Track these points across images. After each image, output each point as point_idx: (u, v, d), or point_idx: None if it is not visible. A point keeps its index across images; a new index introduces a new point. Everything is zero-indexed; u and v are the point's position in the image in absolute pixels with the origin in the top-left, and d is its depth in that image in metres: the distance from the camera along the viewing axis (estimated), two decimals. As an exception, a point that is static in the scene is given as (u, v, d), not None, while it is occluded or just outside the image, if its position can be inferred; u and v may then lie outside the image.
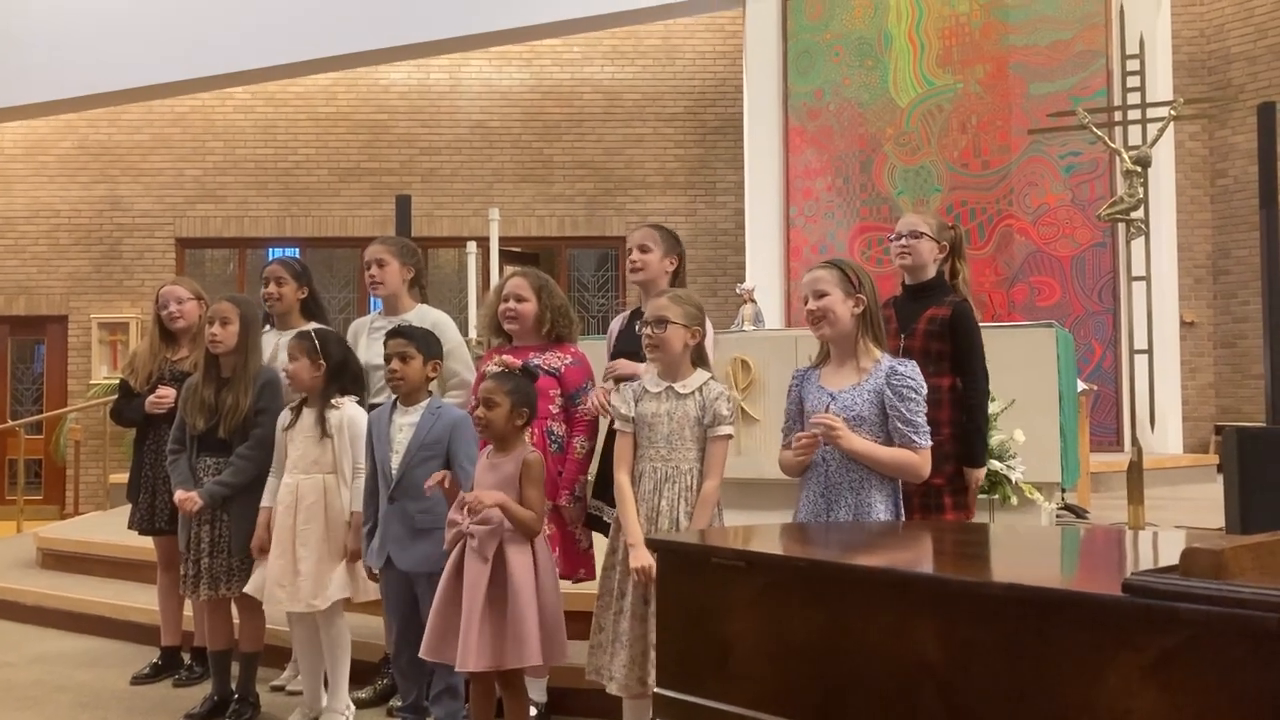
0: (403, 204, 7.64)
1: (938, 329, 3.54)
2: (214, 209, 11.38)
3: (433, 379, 3.66)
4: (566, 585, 3.66)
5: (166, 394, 4.34)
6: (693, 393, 3.22)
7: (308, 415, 3.82)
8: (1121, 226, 6.87)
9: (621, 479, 3.24)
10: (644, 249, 3.77)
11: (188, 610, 4.55)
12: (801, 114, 10.29)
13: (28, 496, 10.01)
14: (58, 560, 6.40)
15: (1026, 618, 1.63)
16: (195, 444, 3.98)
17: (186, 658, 4.62)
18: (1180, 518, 6.29)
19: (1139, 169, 6.16)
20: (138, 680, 4.53)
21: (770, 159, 10.36)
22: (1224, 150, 10.30)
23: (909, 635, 1.76)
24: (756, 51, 10.48)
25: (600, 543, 3.59)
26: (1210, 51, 10.46)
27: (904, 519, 3.05)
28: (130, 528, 4.58)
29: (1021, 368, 4.88)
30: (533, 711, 3.62)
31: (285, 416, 3.90)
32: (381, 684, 4.16)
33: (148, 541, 4.70)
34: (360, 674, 4.03)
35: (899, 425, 2.90)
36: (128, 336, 11.08)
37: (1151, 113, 6.61)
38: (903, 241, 3.69)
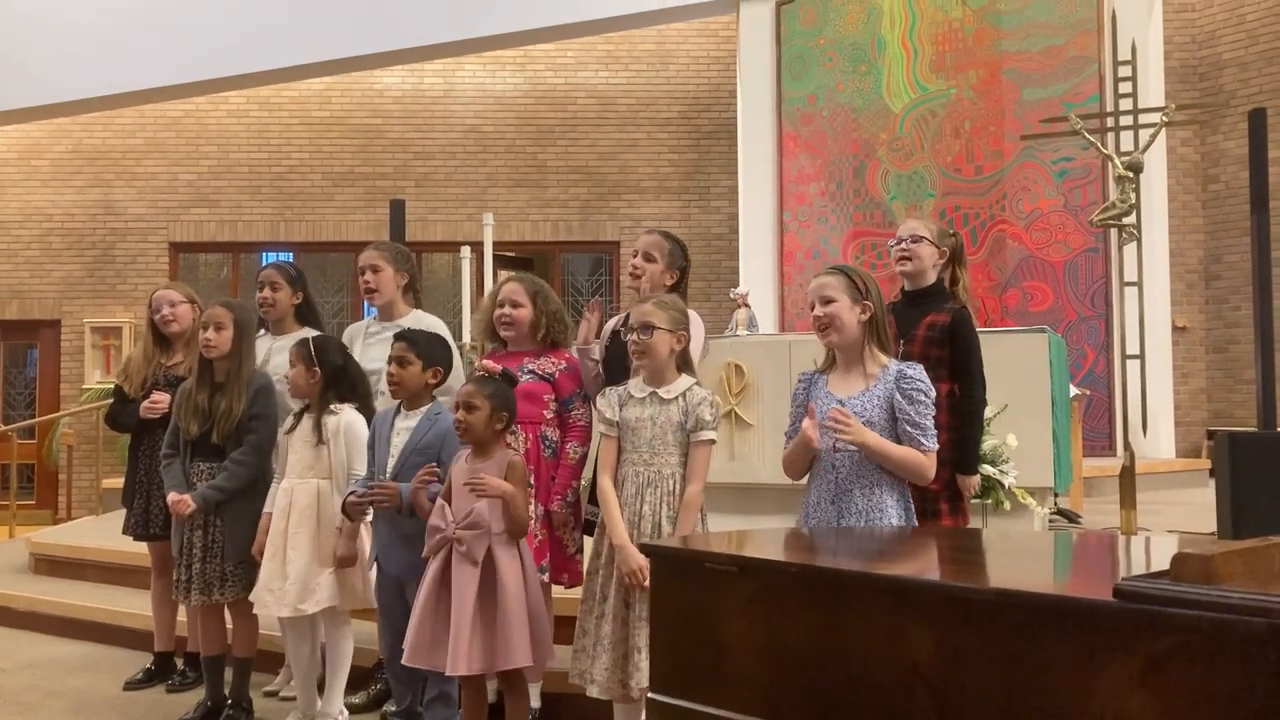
0: (396, 209, 7.64)
1: (937, 335, 3.55)
2: (208, 213, 11.37)
3: (433, 385, 3.65)
4: (555, 590, 3.67)
5: (161, 399, 4.34)
6: (676, 398, 3.22)
7: (307, 421, 3.82)
8: (1114, 232, 6.89)
9: (604, 483, 3.25)
10: (649, 257, 3.75)
11: (181, 615, 4.55)
12: (795, 119, 10.31)
13: (20, 501, 9.98)
14: (50, 565, 6.38)
15: (1019, 623, 1.64)
16: (189, 449, 3.98)
17: (180, 663, 4.61)
18: (1172, 522, 6.30)
19: (1131, 174, 6.18)
20: (131, 686, 4.52)
21: (764, 164, 10.38)
22: (1215, 156, 10.34)
23: (902, 640, 1.77)
24: (750, 57, 10.50)
25: (588, 547, 3.59)
26: (1202, 57, 10.50)
27: (914, 522, 3.03)
28: (125, 533, 4.58)
29: (1014, 373, 4.89)
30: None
31: (288, 421, 3.90)
32: (375, 689, 4.16)
33: (140, 547, 4.69)
34: (354, 679, 4.03)
35: (908, 428, 2.90)
36: (121, 341, 11.06)
37: (1144, 118, 6.63)
38: (903, 246, 3.70)
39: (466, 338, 7.84)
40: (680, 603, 2.14)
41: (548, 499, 3.64)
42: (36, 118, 11.01)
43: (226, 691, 4.02)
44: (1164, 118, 6.46)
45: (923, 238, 3.66)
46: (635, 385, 3.30)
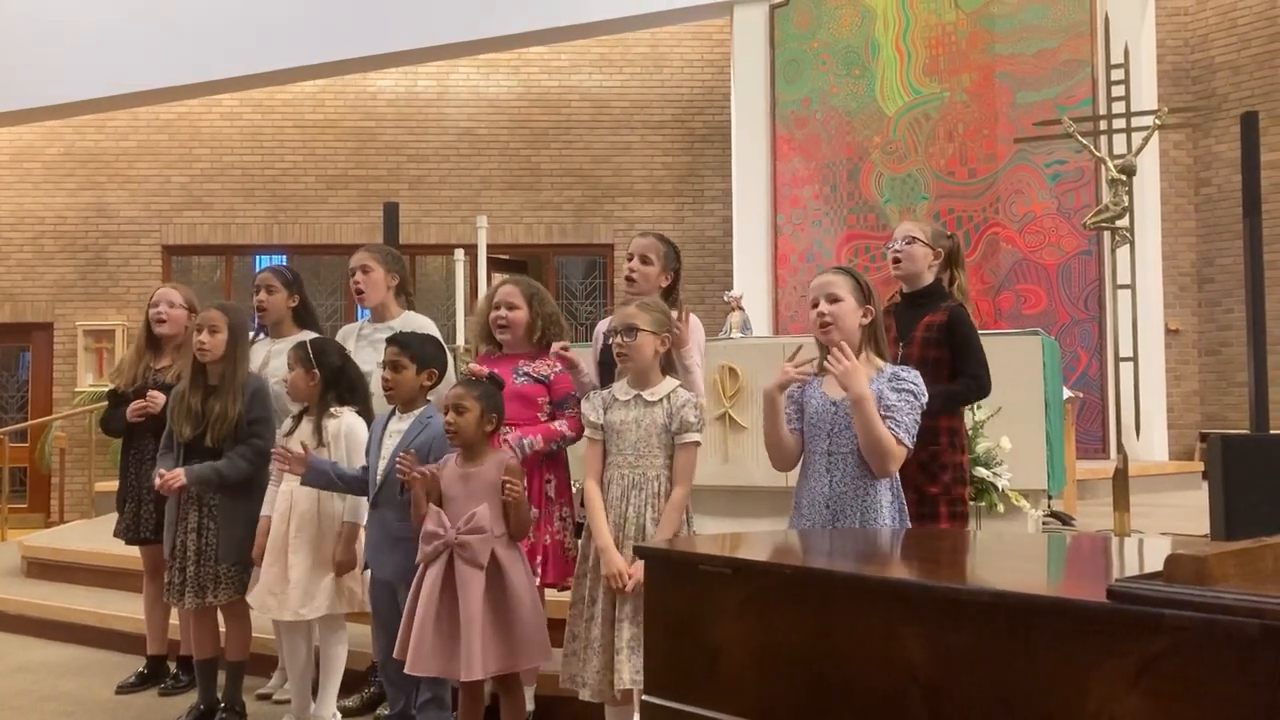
0: (390, 211, 7.63)
1: (935, 335, 3.54)
2: (201, 216, 11.35)
3: (429, 387, 3.64)
4: (552, 593, 3.66)
5: (147, 403, 4.31)
6: (660, 400, 3.22)
7: (307, 424, 3.81)
8: (1106, 235, 6.90)
9: (590, 486, 3.25)
10: (645, 259, 3.74)
11: (174, 619, 4.54)
12: (789, 122, 10.32)
13: (12, 505, 9.95)
14: (42, 569, 6.36)
15: (1012, 624, 1.64)
16: (182, 452, 3.96)
17: (172, 666, 4.60)
18: (1165, 524, 6.31)
19: (1124, 177, 6.20)
20: (123, 689, 4.51)
21: (758, 167, 10.39)
22: (1208, 159, 10.37)
23: (895, 642, 1.77)
24: (744, 60, 10.51)
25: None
26: (1194, 61, 10.54)
27: (907, 525, 3.02)
28: (116, 536, 4.56)
29: (1008, 375, 4.89)
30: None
31: (287, 424, 3.89)
32: (368, 692, 4.15)
33: (133, 550, 4.68)
34: (347, 682, 4.02)
35: (885, 414, 2.85)
36: (113, 344, 11.03)
37: (1136, 122, 6.65)
38: (896, 247, 3.70)
39: (460, 340, 7.84)
40: (674, 605, 2.14)
41: (541, 500, 3.63)
42: (29, 120, 10.98)
43: (219, 695, 4.00)
44: (1156, 121, 6.48)
45: (916, 239, 3.67)
46: (620, 388, 3.30)
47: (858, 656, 1.82)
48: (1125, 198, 6.22)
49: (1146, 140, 6.48)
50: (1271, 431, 6.56)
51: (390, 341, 3.64)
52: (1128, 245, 6.41)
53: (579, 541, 3.76)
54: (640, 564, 3.06)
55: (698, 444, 3.23)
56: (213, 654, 4.03)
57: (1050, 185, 9.23)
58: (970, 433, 4.67)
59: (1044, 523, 5.79)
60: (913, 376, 2.95)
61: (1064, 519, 6.30)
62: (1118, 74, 6.74)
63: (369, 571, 3.71)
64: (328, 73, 11.06)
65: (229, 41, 10.32)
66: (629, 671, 3.03)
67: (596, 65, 11.56)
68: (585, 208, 11.47)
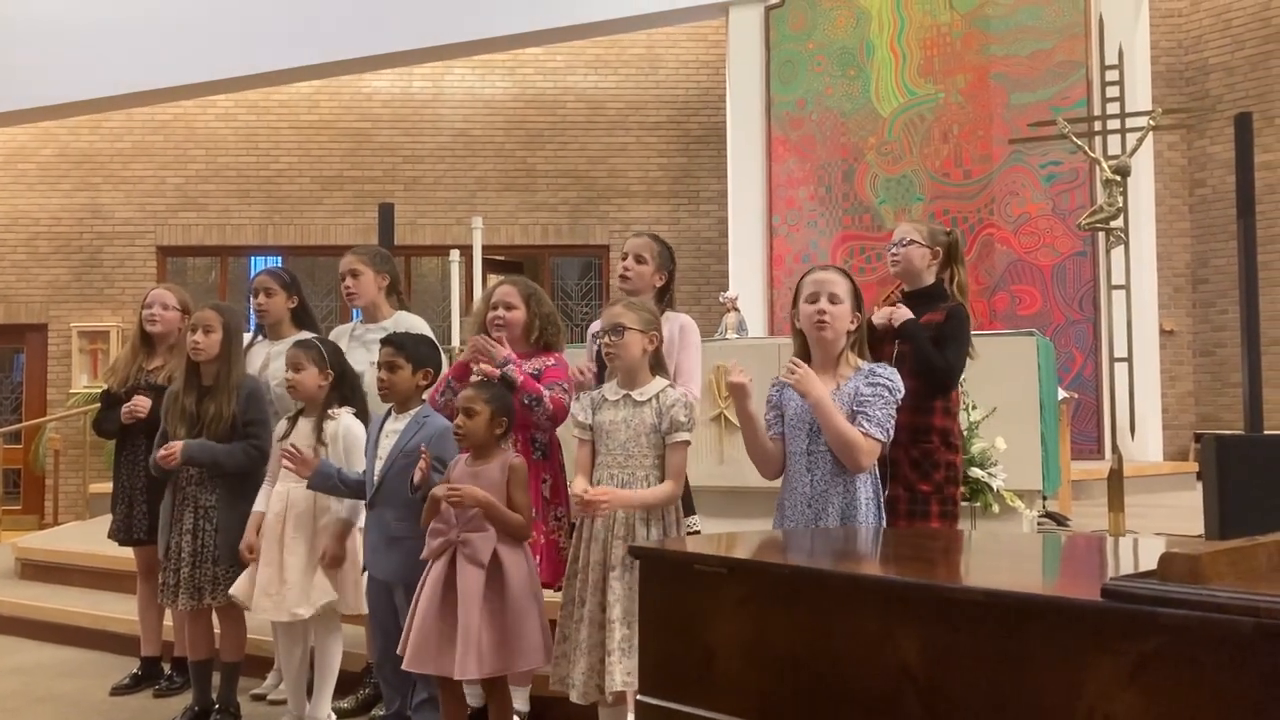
0: (385, 212, 7.63)
1: (932, 334, 3.55)
2: (196, 217, 11.33)
3: (425, 386, 3.64)
4: (547, 593, 3.65)
5: (142, 403, 4.31)
6: (650, 400, 3.22)
7: (304, 424, 3.81)
8: (1101, 235, 6.92)
9: (576, 489, 3.24)
10: (639, 259, 3.75)
11: (168, 620, 4.53)
12: (784, 123, 10.33)
13: (6, 506, 9.94)
14: (36, 570, 6.35)
15: (1007, 624, 1.64)
16: (178, 453, 3.95)
17: (167, 668, 4.59)
18: (1160, 524, 6.32)
19: (1118, 178, 6.21)
20: (118, 691, 4.49)
21: (753, 168, 10.39)
22: (1202, 160, 10.39)
23: (890, 641, 1.77)
24: (739, 61, 10.52)
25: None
26: (1188, 62, 10.56)
27: (885, 525, 3.05)
28: (110, 538, 4.56)
29: (1003, 376, 4.91)
30: (515, 721, 3.61)
31: (282, 425, 3.88)
32: (364, 693, 4.15)
33: (127, 551, 4.67)
34: (343, 683, 4.01)
35: (856, 409, 2.91)
36: (108, 345, 11.01)
37: (1131, 123, 6.67)
38: (894, 250, 3.71)
39: (456, 341, 7.84)
40: (669, 605, 2.14)
41: (537, 500, 3.63)
42: (23, 120, 10.96)
43: (214, 696, 4.00)
44: (1151, 122, 6.49)
45: (913, 241, 3.67)
46: (609, 388, 3.30)
47: (853, 656, 1.82)
48: (1120, 199, 6.23)
49: (1141, 141, 6.49)
50: (1266, 432, 6.57)
51: (385, 342, 3.64)
52: (1122, 246, 6.43)
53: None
54: (604, 488, 3.10)
55: (688, 443, 3.23)
56: (207, 655, 4.03)
57: (1045, 186, 9.25)
58: (965, 433, 4.68)
59: (1039, 523, 5.80)
60: (888, 373, 2.99)
61: (1059, 519, 6.31)
62: (1112, 75, 6.76)
63: (366, 573, 3.71)
64: (323, 74, 11.05)
65: (224, 42, 10.30)
66: (621, 673, 3.02)
67: (592, 66, 11.56)
68: (581, 209, 11.47)
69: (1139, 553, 2.35)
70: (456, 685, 3.26)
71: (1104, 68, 6.90)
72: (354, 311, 4.49)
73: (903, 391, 3.00)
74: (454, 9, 10.54)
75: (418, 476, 3.32)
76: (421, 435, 3.51)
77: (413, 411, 3.59)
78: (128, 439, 4.44)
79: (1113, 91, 6.75)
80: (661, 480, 3.20)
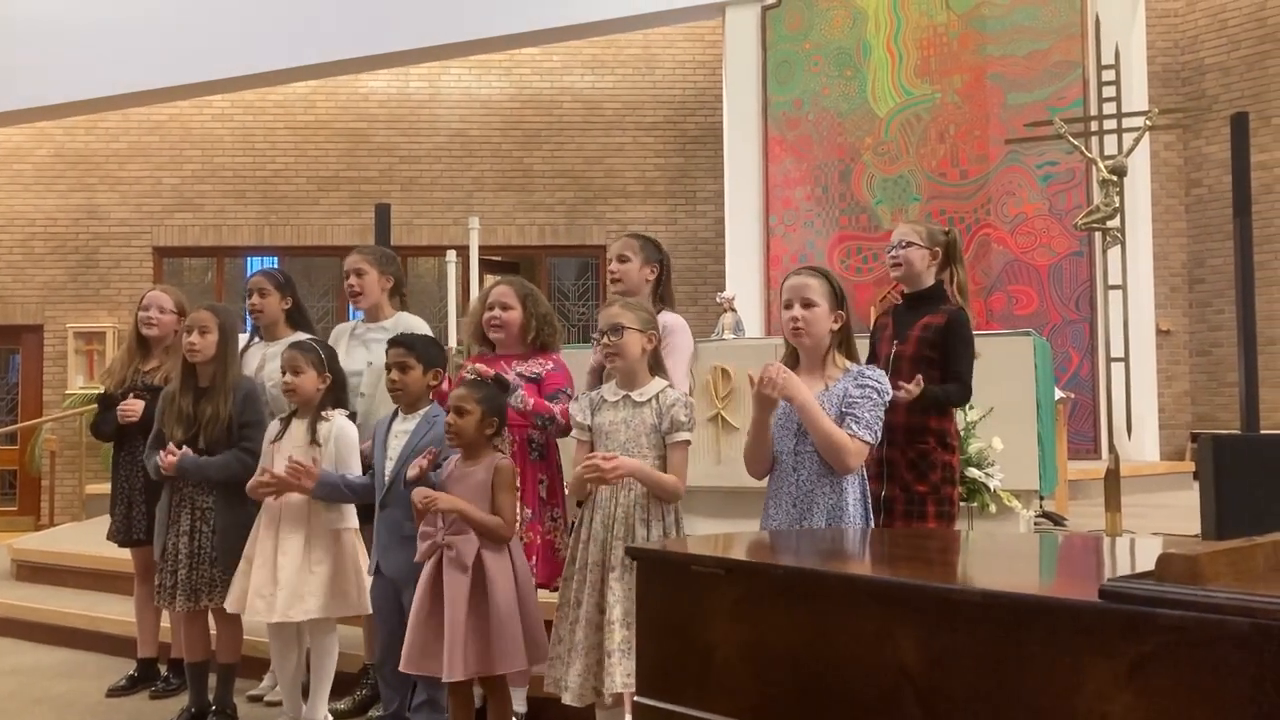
0: (382, 213, 7.61)
1: (932, 336, 3.55)
2: (192, 217, 11.32)
3: (434, 387, 3.64)
4: (544, 594, 3.65)
5: (135, 405, 4.30)
6: (649, 400, 3.21)
7: (298, 426, 3.80)
8: (1098, 235, 6.92)
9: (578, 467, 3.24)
10: (622, 259, 3.76)
11: (165, 621, 4.52)
12: (781, 123, 10.33)
13: (2, 508, 9.93)
14: (32, 572, 6.34)
15: (1004, 624, 1.64)
16: (175, 455, 3.95)
17: (163, 669, 4.58)
18: (1157, 525, 6.33)
19: (1115, 178, 6.22)
20: (114, 692, 4.48)
21: (750, 168, 10.40)
22: (1198, 160, 10.40)
23: (888, 642, 1.77)
24: (736, 61, 10.52)
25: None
26: (1184, 62, 10.57)
27: (872, 525, 3.04)
28: (109, 539, 4.55)
29: (999, 376, 4.91)
30: (513, 721, 3.61)
31: (274, 427, 3.88)
32: (361, 694, 4.14)
33: (123, 553, 4.66)
34: (340, 685, 4.01)
35: (844, 410, 2.88)
36: (104, 346, 10.99)
37: (1127, 123, 6.67)
38: (893, 253, 3.71)
39: (453, 342, 7.83)
40: (666, 606, 2.14)
41: (533, 500, 3.63)
42: (19, 121, 10.94)
43: (210, 698, 3.99)
44: (1147, 122, 6.50)
45: (911, 243, 3.67)
46: (608, 389, 3.29)
47: (851, 657, 1.82)
48: (1116, 198, 6.24)
49: (1137, 141, 6.49)
50: (1262, 431, 6.57)
51: (394, 343, 3.64)
52: (1119, 246, 6.43)
53: (569, 540, 3.77)
54: (613, 453, 3.07)
55: (688, 443, 3.22)
56: (204, 656, 4.02)
57: (1041, 186, 9.26)
58: (962, 433, 4.68)
59: (1036, 523, 5.80)
60: (876, 375, 2.97)
61: (1056, 519, 6.32)
62: (1108, 75, 6.76)
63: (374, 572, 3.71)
64: (319, 74, 11.04)
65: (220, 42, 10.29)
66: (620, 674, 3.02)
67: (588, 66, 11.56)
68: (577, 209, 11.46)
69: (1136, 553, 2.35)
70: (465, 687, 3.25)
71: (1100, 68, 6.90)
72: (351, 312, 4.50)
73: (890, 393, 2.98)
74: (451, 9, 10.53)
75: (412, 473, 3.33)
76: (432, 435, 3.51)
77: (422, 411, 3.59)
78: (126, 440, 4.43)
79: (1109, 91, 6.76)
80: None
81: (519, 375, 3.66)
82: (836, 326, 2.99)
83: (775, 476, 3.02)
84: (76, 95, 10.52)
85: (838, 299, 2.99)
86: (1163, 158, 10.31)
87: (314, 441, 3.74)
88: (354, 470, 3.74)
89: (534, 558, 3.55)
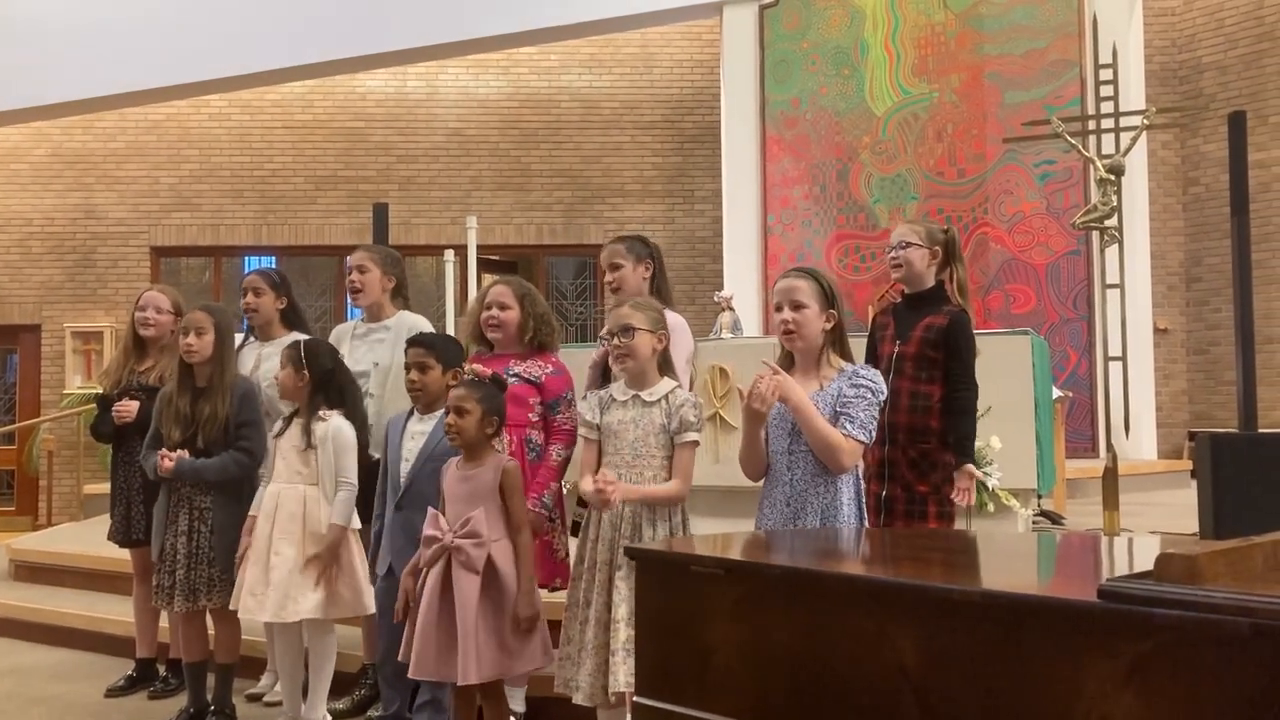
0: (380, 212, 7.61)
1: (934, 337, 3.55)
2: (189, 217, 11.31)
3: (452, 387, 3.64)
4: (542, 594, 3.65)
5: (129, 406, 4.30)
6: (659, 400, 3.21)
7: (296, 425, 3.80)
8: (1095, 234, 6.93)
9: (585, 487, 3.23)
10: (615, 266, 3.76)
11: (163, 622, 4.52)
12: (779, 122, 10.33)
13: (0, 508, 9.90)
14: (30, 572, 6.33)
15: (1003, 624, 1.64)
16: (173, 455, 3.95)
17: (162, 669, 4.58)
18: (1155, 523, 6.34)
19: (1112, 177, 6.22)
20: (112, 692, 4.48)
21: (747, 167, 10.40)
22: (1196, 159, 10.41)
23: (887, 642, 1.77)
24: (733, 60, 10.52)
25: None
26: (1182, 61, 10.58)
27: (867, 524, 3.05)
28: (110, 540, 4.55)
29: (997, 375, 4.91)
30: (512, 721, 3.61)
31: (278, 425, 3.88)
32: (360, 694, 4.14)
33: (121, 553, 4.66)
34: (339, 684, 4.01)
35: (838, 410, 2.89)
36: (102, 346, 10.98)
37: (1124, 121, 6.68)
38: (893, 254, 3.70)
39: (450, 341, 7.82)
40: (666, 606, 2.14)
41: (531, 501, 3.63)
42: (16, 121, 10.93)
43: (209, 698, 3.99)
44: (1144, 121, 6.51)
45: (911, 243, 3.66)
46: (617, 388, 3.29)
47: (850, 657, 1.82)
48: (1114, 197, 6.24)
49: (1135, 140, 6.50)
50: (1260, 430, 6.58)
51: (413, 343, 3.63)
52: (1116, 245, 6.43)
53: (568, 542, 3.77)
54: (610, 475, 3.07)
55: (697, 444, 3.23)
56: (202, 656, 4.02)
57: (1039, 185, 9.26)
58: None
59: (1034, 522, 5.81)
60: (870, 374, 2.97)
61: (1054, 518, 6.32)
62: (1106, 74, 6.76)
63: (366, 572, 3.70)
64: (316, 73, 11.03)
65: (217, 42, 10.28)
66: (624, 674, 3.01)
67: (586, 66, 11.55)
68: (575, 208, 11.46)
69: (1134, 553, 2.35)
70: (470, 689, 3.25)
71: (1098, 67, 6.90)
72: (349, 312, 4.50)
73: (885, 393, 2.99)
74: (448, 8, 10.53)
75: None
76: (448, 440, 3.49)
77: (439, 413, 3.56)
78: (124, 440, 4.43)
79: (1106, 90, 6.76)
80: (669, 480, 3.19)
81: (518, 377, 3.66)
82: (829, 326, 2.99)
83: (769, 476, 3.03)
84: (74, 95, 10.51)
85: (828, 299, 2.99)
86: (1160, 156, 10.31)
87: (309, 445, 3.74)
88: (348, 471, 3.73)
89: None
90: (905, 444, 3.49)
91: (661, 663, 2.12)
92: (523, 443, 3.67)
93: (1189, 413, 10.39)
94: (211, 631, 4.03)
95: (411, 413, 3.64)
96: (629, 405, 3.23)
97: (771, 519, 2.97)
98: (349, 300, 4.41)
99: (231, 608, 3.80)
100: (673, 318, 3.68)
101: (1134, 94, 8.70)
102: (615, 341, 3.21)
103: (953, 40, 9.62)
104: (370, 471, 3.77)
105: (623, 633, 3.04)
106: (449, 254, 8.59)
